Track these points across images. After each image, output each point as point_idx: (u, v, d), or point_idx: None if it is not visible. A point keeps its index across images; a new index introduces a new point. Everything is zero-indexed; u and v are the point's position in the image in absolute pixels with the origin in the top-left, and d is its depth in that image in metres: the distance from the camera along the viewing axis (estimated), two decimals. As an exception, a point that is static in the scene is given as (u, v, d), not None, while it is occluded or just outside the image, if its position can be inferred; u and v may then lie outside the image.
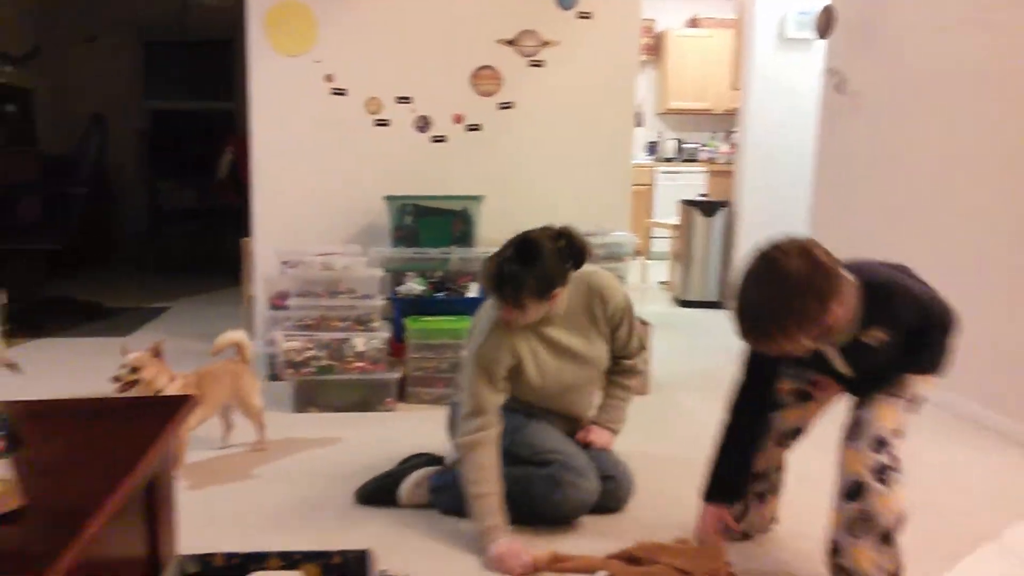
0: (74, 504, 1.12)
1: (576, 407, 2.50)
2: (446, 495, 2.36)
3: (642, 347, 2.62)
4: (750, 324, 1.71)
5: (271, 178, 4.14)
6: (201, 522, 2.26)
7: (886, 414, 1.88)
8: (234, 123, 7.96)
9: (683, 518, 2.38)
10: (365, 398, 3.33)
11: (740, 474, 2.11)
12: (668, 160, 8.15)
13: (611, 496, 2.37)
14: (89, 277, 6.39)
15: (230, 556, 1.52)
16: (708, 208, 5.70)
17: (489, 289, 2.19)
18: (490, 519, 2.13)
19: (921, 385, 1.94)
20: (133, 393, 2.45)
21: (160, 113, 8.10)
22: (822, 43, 4.53)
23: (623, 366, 2.53)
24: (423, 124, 4.20)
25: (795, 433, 2.19)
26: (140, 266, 7.23)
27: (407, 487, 2.42)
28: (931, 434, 3.15)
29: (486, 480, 2.17)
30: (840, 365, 1.95)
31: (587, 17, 4.22)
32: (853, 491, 1.85)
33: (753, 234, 5.47)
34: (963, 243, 3.41)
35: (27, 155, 5.93)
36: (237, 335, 2.85)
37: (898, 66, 3.86)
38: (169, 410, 1.46)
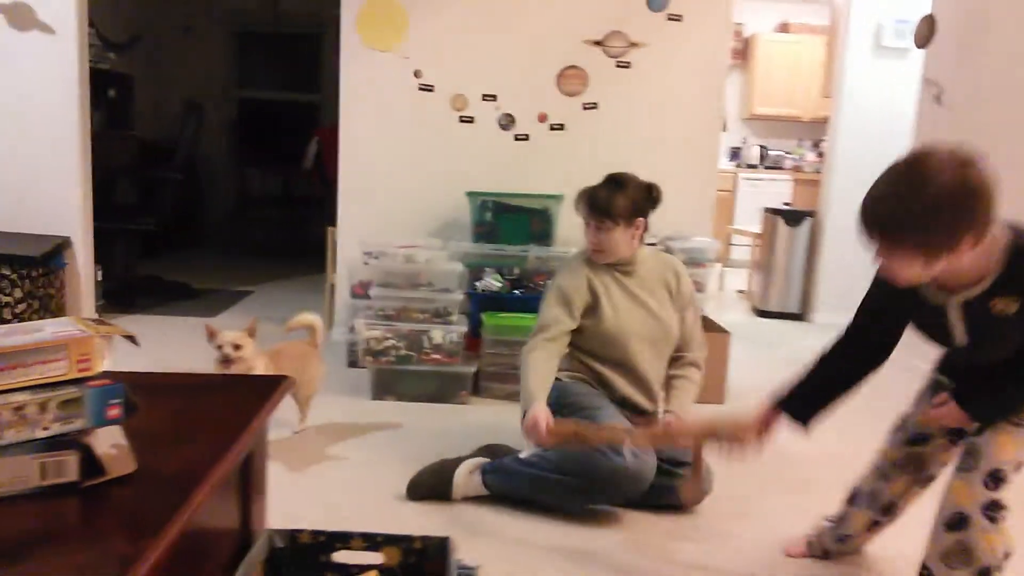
0: (179, 472, 1.17)
1: (643, 363, 2.50)
2: (499, 476, 2.41)
3: (703, 349, 2.65)
4: (869, 218, 1.53)
5: (357, 170, 4.23)
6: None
7: (1006, 445, 1.70)
8: (319, 115, 8.17)
9: (753, 523, 2.35)
10: (440, 390, 3.37)
11: (815, 397, 1.93)
12: (751, 166, 8.01)
13: (690, 490, 2.37)
14: (178, 258, 6.64)
15: (316, 534, 1.56)
16: (793, 217, 5.58)
17: (581, 205, 2.47)
18: (530, 396, 2.29)
19: None
20: (232, 370, 2.54)
21: (249, 102, 8.36)
22: (920, 53, 4.40)
23: (686, 359, 2.58)
24: (507, 122, 4.23)
25: (931, 477, 2.03)
26: (226, 250, 7.47)
27: (461, 474, 2.45)
28: None
29: (536, 371, 2.35)
30: (959, 334, 1.70)
31: (677, 19, 4.19)
32: (955, 522, 1.72)
33: (839, 246, 5.35)
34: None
35: (125, 139, 6.19)
36: (312, 318, 2.92)
37: (1001, 80, 3.72)
38: (267, 388, 1.52)
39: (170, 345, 3.97)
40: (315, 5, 7.45)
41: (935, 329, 1.75)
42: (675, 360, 2.59)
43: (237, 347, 2.58)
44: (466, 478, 2.44)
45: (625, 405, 2.48)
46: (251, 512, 1.53)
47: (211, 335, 2.62)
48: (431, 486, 2.44)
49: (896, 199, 1.48)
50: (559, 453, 2.32)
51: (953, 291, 1.64)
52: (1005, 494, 1.70)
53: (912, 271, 1.53)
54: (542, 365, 2.39)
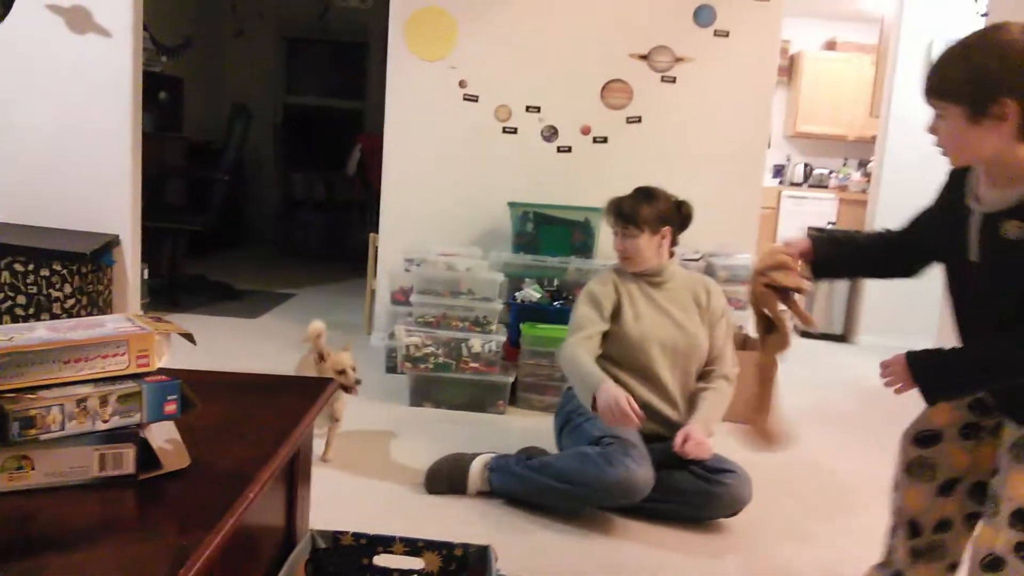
0: (232, 469, 1.20)
1: (664, 371, 2.50)
2: (501, 475, 2.46)
3: (735, 366, 2.63)
4: (926, 82, 1.46)
5: (401, 177, 4.27)
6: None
7: (1019, 485, 1.57)
8: (363, 122, 8.27)
9: (798, 546, 2.32)
10: (477, 398, 3.38)
11: (840, 263, 1.86)
12: (795, 184, 7.93)
13: (729, 493, 2.35)
14: (222, 259, 6.75)
15: (358, 536, 1.58)
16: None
17: (608, 214, 2.55)
18: (592, 378, 2.33)
19: None
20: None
21: (295, 107, 8.49)
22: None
23: (715, 373, 2.56)
24: (550, 134, 4.25)
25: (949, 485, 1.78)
26: (270, 252, 7.58)
27: (476, 469, 2.51)
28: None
29: (585, 359, 2.40)
30: (974, 251, 1.52)
31: (724, 36, 4.18)
32: (990, 564, 1.60)
33: (882, 267, 5.27)
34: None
35: (175, 141, 6.32)
36: (319, 325, 2.80)
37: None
38: (315, 389, 1.54)
39: (212, 344, 4.03)
40: (363, 14, 7.55)
41: (955, 248, 1.58)
42: (705, 374, 2.59)
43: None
44: (480, 472, 2.50)
45: (648, 413, 2.42)
46: (296, 511, 1.55)
47: (323, 357, 2.64)
48: (449, 478, 2.50)
49: (951, 51, 1.42)
50: (562, 462, 2.38)
51: (988, 202, 1.50)
52: None
53: (959, 140, 1.44)
54: (588, 355, 2.43)
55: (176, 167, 5.88)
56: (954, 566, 1.77)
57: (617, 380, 2.46)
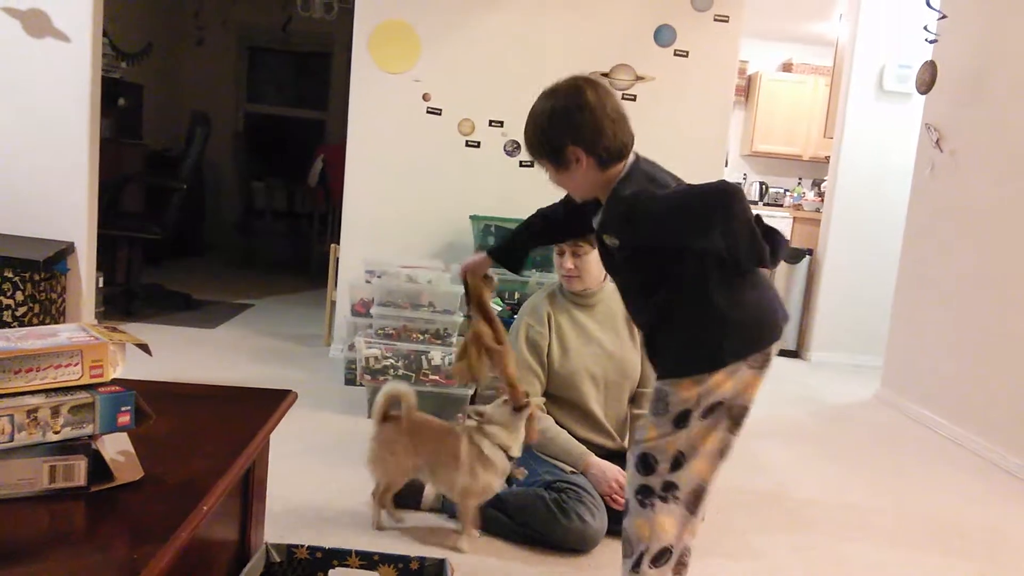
0: (186, 481, 1.19)
1: (594, 405, 2.49)
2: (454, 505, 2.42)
3: None
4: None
5: (362, 189, 4.27)
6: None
7: (646, 430, 1.63)
8: (325, 132, 8.23)
9: (745, 554, 2.35)
10: (437, 411, 3.37)
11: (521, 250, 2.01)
12: (751, 203, 8.07)
13: None
14: (180, 268, 6.65)
15: (313, 550, 1.57)
16: (791, 255, 5.62)
17: None
18: (574, 449, 2.39)
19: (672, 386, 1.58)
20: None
21: (257, 117, 8.43)
22: (922, 98, 4.46)
23: (649, 395, 2.53)
24: (513, 148, 4.28)
25: None
26: (229, 262, 7.49)
27: (430, 490, 2.48)
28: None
29: (558, 433, 2.41)
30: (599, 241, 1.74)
31: (684, 55, 4.25)
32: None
33: (837, 285, 5.39)
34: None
35: (134, 148, 6.23)
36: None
37: (1001, 127, 3.78)
38: (271, 401, 1.54)
39: (168, 355, 3.98)
40: (326, 25, 7.53)
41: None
42: (639, 396, 2.56)
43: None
44: (435, 493, 2.47)
45: (588, 446, 2.45)
46: (250, 525, 1.54)
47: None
48: (402, 494, 2.45)
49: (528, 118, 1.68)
50: (517, 501, 2.34)
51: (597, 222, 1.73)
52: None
53: (556, 179, 1.69)
54: (549, 425, 2.44)
55: (134, 174, 5.79)
56: None
57: (552, 416, 2.49)
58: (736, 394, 1.59)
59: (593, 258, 2.46)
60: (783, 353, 5.57)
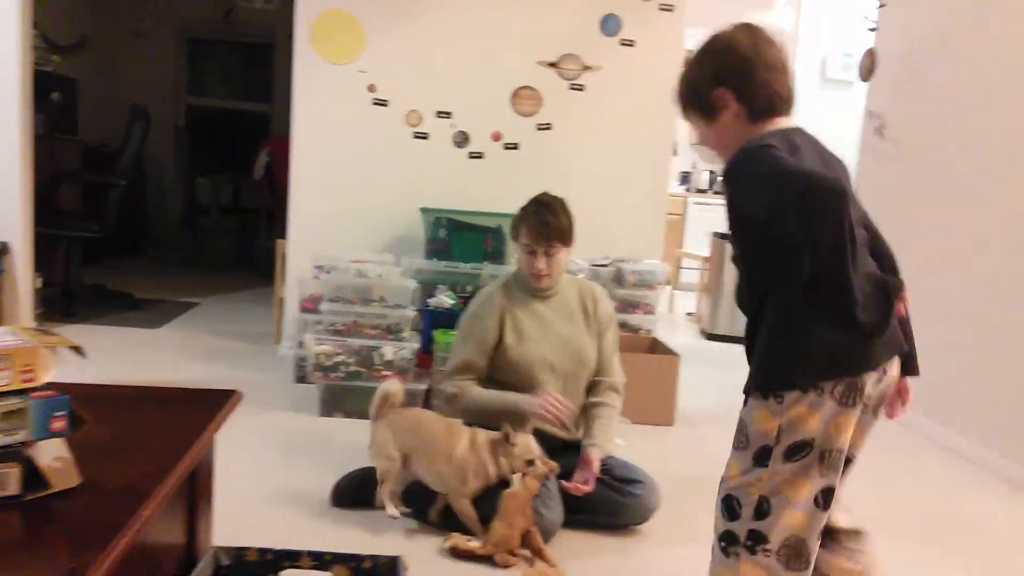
0: (125, 486, 1.15)
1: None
2: (415, 504, 2.39)
3: (622, 375, 2.60)
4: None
5: (309, 182, 4.20)
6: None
7: (729, 464, 1.51)
8: (269, 125, 8.09)
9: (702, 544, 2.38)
10: (389, 406, 3.34)
11: None
12: (701, 191, 8.15)
13: (638, 503, 2.38)
14: (122, 267, 6.48)
15: (263, 551, 1.54)
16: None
17: (527, 232, 2.43)
18: (511, 402, 2.38)
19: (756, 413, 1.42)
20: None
21: (198, 110, 8.24)
22: (864, 85, 4.55)
23: (604, 384, 2.54)
24: (461, 139, 4.25)
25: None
26: (173, 260, 7.32)
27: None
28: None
29: (491, 396, 2.43)
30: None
31: (630, 44, 4.27)
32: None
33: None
34: (1002, 296, 3.39)
35: (70, 144, 6.03)
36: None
37: (941, 113, 3.87)
38: (215, 401, 1.49)
39: (111, 356, 3.87)
40: (269, 15, 7.39)
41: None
42: (594, 385, 2.55)
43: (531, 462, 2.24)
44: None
45: (541, 438, 2.39)
46: (197, 528, 1.50)
47: (508, 439, 2.26)
48: (356, 492, 2.43)
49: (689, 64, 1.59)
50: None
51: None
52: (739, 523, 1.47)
53: (703, 134, 1.59)
54: (485, 393, 2.44)
55: (70, 171, 5.62)
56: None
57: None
58: (826, 436, 1.38)
59: (563, 257, 2.47)
60: (733, 340, 5.64)
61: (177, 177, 7.81)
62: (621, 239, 4.22)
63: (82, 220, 4.90)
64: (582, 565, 2.22)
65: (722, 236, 5.82)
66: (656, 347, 3.83)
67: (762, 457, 1.40)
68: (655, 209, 4.40)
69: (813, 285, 1.35)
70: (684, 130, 8.26)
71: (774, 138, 1.43)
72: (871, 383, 1.39)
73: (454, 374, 2.49)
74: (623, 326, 3.83)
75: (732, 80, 1.48)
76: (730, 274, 5.65)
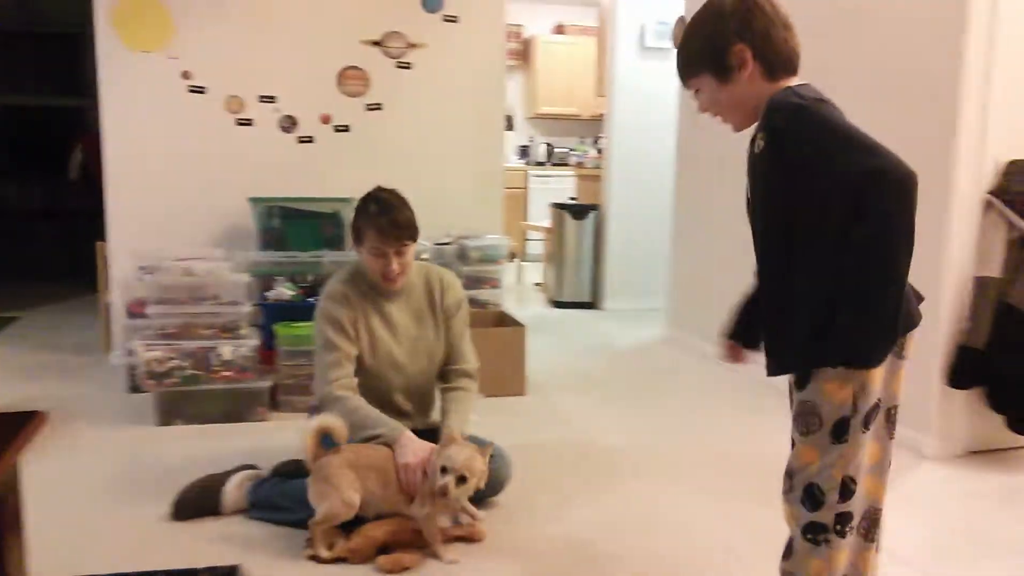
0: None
1: (400, 397, 2.47)
2: (260, 511, 2.33)
3: (476, 360, 2.57)
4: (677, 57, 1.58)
5: (126, 179, 3.94)
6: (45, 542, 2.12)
7: (803, 455, 1.44)
8: (85, 121, 7.53)
9: (558, 507, 2.43)
10: (235, 408, 3.22)
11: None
12: (539, 164, 8.30)
13: (490, 477, 2.39)
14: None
15: (87, 578, 1.44)
16: (578, 211, 5.84)
17: (372, 233, 2.30)
18: (383, 426, 2.25)
19: (822, 382, 1.38)
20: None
21: (2, 109, 7.57)
22: (680, 52, 4.73)
23: (458, 371, 2.51)
24: (289, 124, 4.11)
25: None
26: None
27: (231, 488, 2.35)
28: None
29: (361, 409, 2.28)
30: (748, 188, 1.60)
31: (453, 21, 4.25)
32: (785, 550, 1.51)
33: (622, 236, 5.67)
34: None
35: None
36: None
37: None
38: (16, 424, 1.38)
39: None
40: (71, 3, 6.85)
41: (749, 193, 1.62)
42: (447, 374, 2.52)
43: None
44: (236, 491, 2.34)
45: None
46: (8, 563, 1.38)
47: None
48: (198, 504, 2.32)
49: (682, 35, 1.57)
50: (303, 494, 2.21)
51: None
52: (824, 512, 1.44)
53: (726, 103, 1.53)
54: (362, 405, 2.30)
55: None
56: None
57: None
58: (888, 392, 1.41)
59: (412, 251, 2.39)
60: (579, 305, 5.80)
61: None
62: (461, 216, 4.22)
63: None
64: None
65: (561, 207, 5.95)
66: (504, 320, 3.88)
67: (841, 432, 1.36)
68: (492, 184, 4.43)
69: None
70: (517, 104, 8.37)
71: (809, 92, 1.42)
72: None
73: (328, 371, 2.34)
74: (471, 303, 3.84)
75: (752, 37, 1.44)
76: (572, 243, 5.79)
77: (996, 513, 2.53)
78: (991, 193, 2.83)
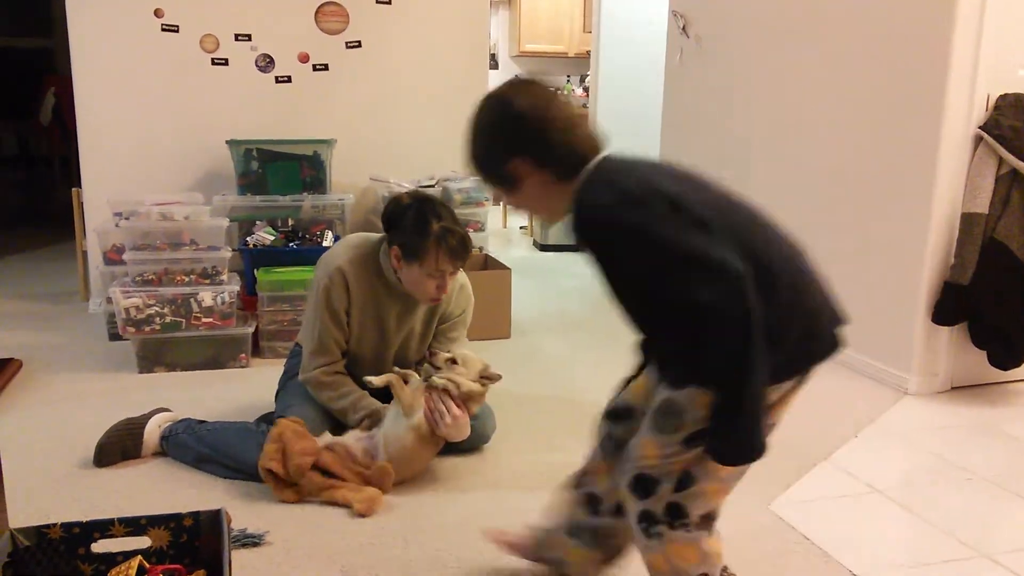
0: None
1: (371, 373, 2.38)
2: (174, 449, 2.31)
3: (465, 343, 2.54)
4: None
5: (99, 122, 3.83)
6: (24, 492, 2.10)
7: (646, 447, 1.37)
8: (55, 62, 7.32)
9: (545, 453, 2.44)
10: (216, 355, 3.19)
11: None
12: (523, 103, 8.16)
13: (474, 433, 2.37)
14: None
15: (68, 526, 1.42)
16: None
17: (431, 257, 2.16)
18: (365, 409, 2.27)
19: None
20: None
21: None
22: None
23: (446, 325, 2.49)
24: (266, 63, 3.99)
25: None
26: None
27: (151, 430, 2.34)
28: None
29: (348, 395, 2.30)
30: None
31: (434, -46, 4.11)
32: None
33: (606, 176, 5.60)
34: (802, 181, 3.61)
35: None
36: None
37: (740, 11, 3.99)
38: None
39: None
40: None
41: None
42: (432, 354, 2.36)
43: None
44: (156, 433, 2.33)
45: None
46: (-16, 514, 1.36)
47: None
48: (121, 447, 2.30)
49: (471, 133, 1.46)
50: (225, 435, 2.24)
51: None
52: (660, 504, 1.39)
53: (511, 200, 1.47)
54: (350, 389, 2.32)
55: None
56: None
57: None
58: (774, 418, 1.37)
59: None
60: (563, 248, 5.76)
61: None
62: (445, 158, 4.14)
63: None
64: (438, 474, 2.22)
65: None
66: (488, 263, 3.84)
67: (695, 439, 1.30)
68: (476, 124, 4.33)
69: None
70: (501, 42, 8.18)
71: (610, 178, 1.34)
72: None
73: (317, 356, 2.33)
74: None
75: (527, 149, 1.36)
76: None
77: (966, 443, 2.57)
78: (981, 128, 2.80)
